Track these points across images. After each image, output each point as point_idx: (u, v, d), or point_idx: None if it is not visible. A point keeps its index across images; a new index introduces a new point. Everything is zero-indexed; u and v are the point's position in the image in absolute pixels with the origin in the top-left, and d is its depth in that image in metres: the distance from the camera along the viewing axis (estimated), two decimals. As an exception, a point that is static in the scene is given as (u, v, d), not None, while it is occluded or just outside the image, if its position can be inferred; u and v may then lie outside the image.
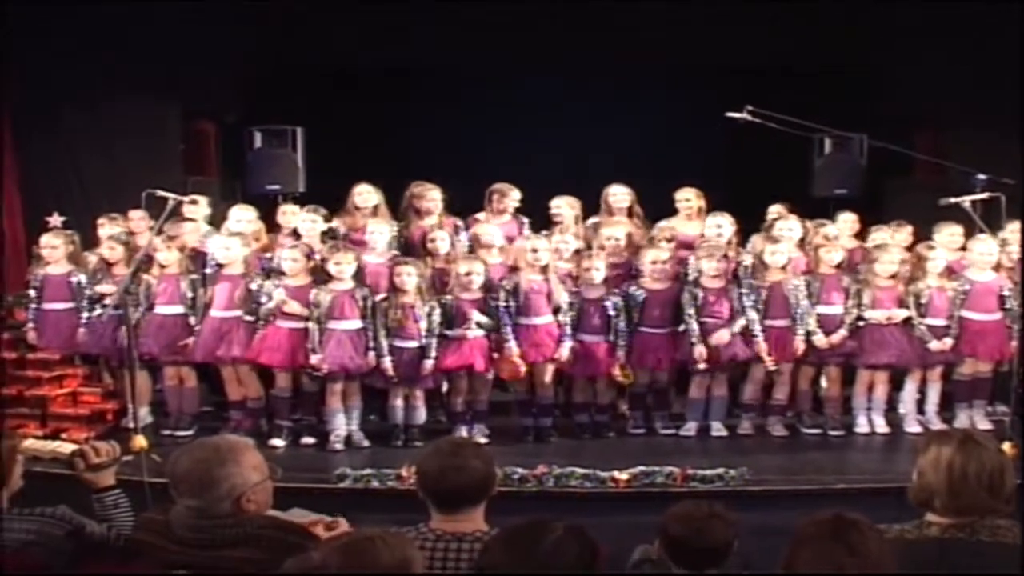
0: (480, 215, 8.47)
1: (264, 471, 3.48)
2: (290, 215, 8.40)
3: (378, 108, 10.52)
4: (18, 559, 3.41)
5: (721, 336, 7.51)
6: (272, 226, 8.51)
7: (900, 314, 7.66)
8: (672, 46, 10.03)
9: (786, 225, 7.97)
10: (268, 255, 7.96)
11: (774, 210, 8.44)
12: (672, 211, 8.55)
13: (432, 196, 8.23)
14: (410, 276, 7.37)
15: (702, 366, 7.56)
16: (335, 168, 8.97)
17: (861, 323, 7.69)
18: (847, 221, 8.46)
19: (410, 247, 8.08)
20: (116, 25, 9.27)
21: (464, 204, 8.53)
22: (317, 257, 7.62)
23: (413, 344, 7.38)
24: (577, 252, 7.98)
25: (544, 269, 7.48)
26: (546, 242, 7.63)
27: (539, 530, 2.86)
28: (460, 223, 8.31)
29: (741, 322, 7.55)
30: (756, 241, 7.95)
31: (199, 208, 8.40)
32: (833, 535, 2.77)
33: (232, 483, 3.35)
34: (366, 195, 8.24)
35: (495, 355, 7.51)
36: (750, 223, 8.27)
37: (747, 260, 7.86)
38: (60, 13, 9.02)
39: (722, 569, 3.49)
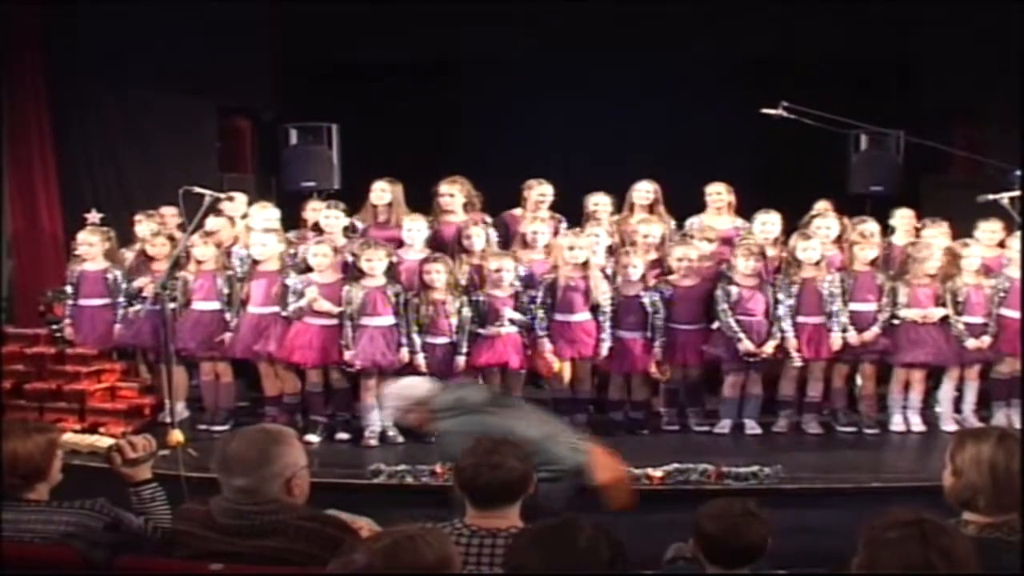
0: (516, 211, 8.48)
1: (306, 458, 3.57)
2: (320, 212, 8.43)
3: (414, 104, 10.55)
4: (58, 550, 3.46)
5: (768, 347, 7.52)
6: (297, 223, 8.57)
7: (936, 313, 7.61)
8: (707, 39, 10.00)
9: (824, 223, 7.96)
10: (292, 251, 7.98)
11: (819, 207, 8.40)
12: (702, 208, 8.55)
13: (445, 191, 8.23)
14: (439, 274, 7.39)
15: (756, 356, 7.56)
16: (370, 165, 8.99)
17: (896, 321, 7.65)
18: (904, 217, 8.41)
19: (439, 243, 8.09)
20: (152, 22, 9.34)
21: (503, 200, 8.53)
22: (347, 253, 7.66)
23: (445, 340, 7.41)
24: (610, 248, 7.99)
25: (583, 266, 7.48)
26: (584, 239, 7.63)
27: (569, 530, 2.85)
28: (488, 219, 8.30)
29: (778, 333, 7.55)
30: (792, 237, 7.89)
31: (237, 205, 8.48)
32: (923, 539, 2.67)
33: (285, 462, 3.44)
34: (379, 192, 8.27)
35: (530, 352, 7.54)
36: (787, 220, 8.21)
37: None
38: (97, 11, 9.09)
39: (755, 568, 3.48)
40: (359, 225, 8.26)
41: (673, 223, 8.45)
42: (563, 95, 10.52)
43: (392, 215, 8.21)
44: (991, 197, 7.47)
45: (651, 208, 8.50)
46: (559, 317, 7.45)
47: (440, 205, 8.23)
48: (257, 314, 7.63)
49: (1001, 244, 7.91)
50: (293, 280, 7.53)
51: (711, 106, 10.09)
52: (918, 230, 8.37)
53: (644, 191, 8.50)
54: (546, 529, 2.89)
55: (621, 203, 8.55)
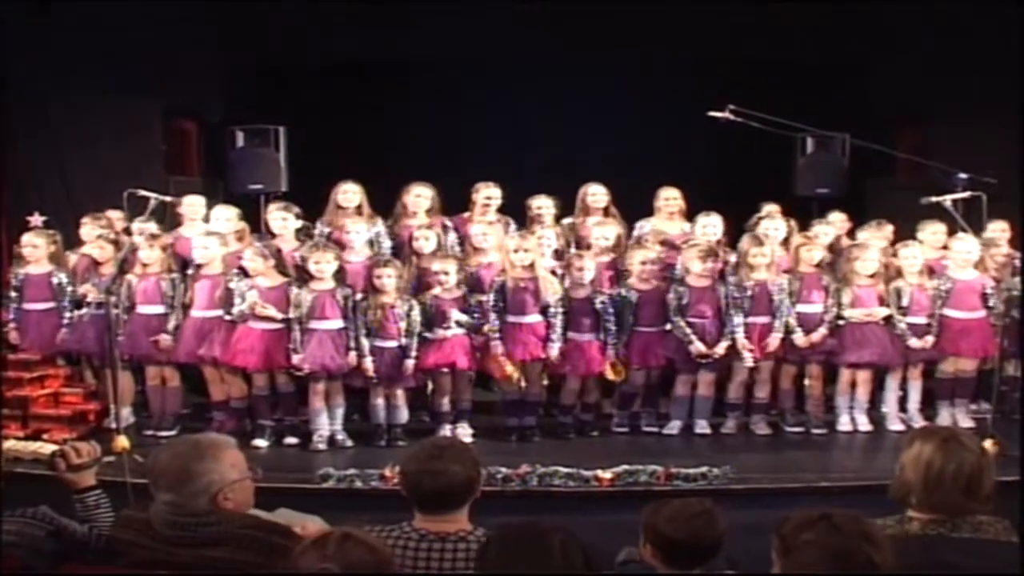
0: (466, 214, 8.46)
1: (244, 470, 3.47)
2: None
3: (361, 106, 10.49)
4: (-2, 560, 3.39)
5: (718, 349, 7.55)
6: (257, 226, 8.50)
7: (880, 312, 7.68)
8: (653, 42, 10.02)
9: (771, 224, 8.00)
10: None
11: (767, 209, 8.44)
12: (648, 210, 8.58)
13: (417, 193, 8.21)
14: (390, 278, 7.35)
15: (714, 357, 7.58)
16: (318, 167, 8.94)
17: (841, 322, 7.71)
18: (837, 220, 8.49)
19: (399, 246, 8.07)
20: (97, 24, 9.23)
21: (450, 202, 8.50)
22: (297, 256, 7.61)
23: (393, 344, 7.36)
24: (557, 251, 7.99)
25: (531, 267, 7.47)
26: (532, 241, 7.63)
27: (541, 536, 2.85)
28: (448, 223, 8.29)
29: (730, 333, 7.57)
30: (744, 240, 7.91)
31: (195, 208, 8.38)
32: (838, 530, 2.70)
33: (209, 479, 3.34)
34: (350, 194, 8.22)
35: (478, 354, 7.53)
36: (732, 222, 8.25)
37: (733, 259, 7.88)
38: (41, 12, 8.96)
39: (708, 568, 3.49)
40: (322, 228, 8.19)
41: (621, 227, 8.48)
42: (512, 97, 10.52)
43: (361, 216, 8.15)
44: (934, 199, 7.59)
45: (605, 211, 8.51)
46: (510, 319, 7.44)
47: (407, 207, 8.19)
48: (200, 317, 7.56)
49: (944, 246, 8.00)
50: (236, 283, 7.46)
51: (658, 109, 10.12)
52: (851, 231, 8.47)
53: (600, 194, 8.51)
54: (516, 535, 2.88)
55: (569, 206, 8.55)
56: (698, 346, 7.53)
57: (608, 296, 7.61)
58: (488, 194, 8.38)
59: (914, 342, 7.64)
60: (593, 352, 7.58)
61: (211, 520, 3.30)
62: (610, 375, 7.68)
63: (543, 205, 8.34)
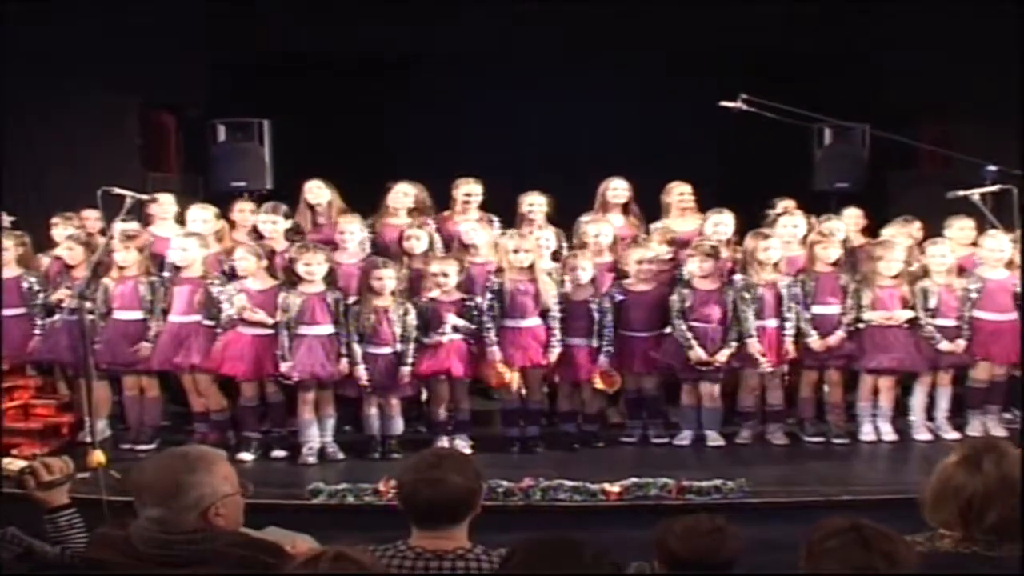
0: (447, 212, 8.44)
1: (235, 484, 3.44)
2: (247, 213, 8.36)
3: (349, 100, 10.49)
4: (-36, 584, 3.37)
5: (721, 355, 7.51)
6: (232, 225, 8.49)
7: (902, 315, 7.60)
8: (666, 32, 10.03)
9: (791, 221, 7.97)
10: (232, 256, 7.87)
11: (782, 206, 8.41)
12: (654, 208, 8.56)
13: (400, 191, 8.20)
14: (389, 279, 7.32)
15: (713, 364, 7.54)
16: (304, 163, 8.91)
17: (861, 324, 7.65)
18: (852, 216, 8.46)
19: (380, 247, 8.04)
20: (70, 13, 9.20)
21: (446, 202, 8.48)
22: (286, 257, 7.59)
23: (388, 350, 7.33)
24: (555, 252, 7.97)
25: (529, 269, 7.44)
26: (531, 241, 7.60)
27: (573, 547, 2.85)
28: (430, 222, 8.26)
29: (733, 339, 7.54)
30: (748, 238, 7.88)
31: (165, 207, 8.34)
32: (864, 544, 2.71)
33: (201, 492, 3.30)
34: (316, 191, 8.21)
35: (477, 361, 7.50)
36: (747, 220, 8.23)
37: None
38: (14, 3, 8.94)
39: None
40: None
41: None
42: (512, 96, 10.51)
43: (332, 215, 8.13)
44: (961, 193, 7.54)
45: (625, 207, 8.48)
46: (509, 323, 7.41)
47: (388, 205, 8.17)
48: (178, 323, 7.52)
49: (973, 243, 7.95)
50: (220, 288, 7.43)
51: (671, 102, 10.11)
52: (867, 229, 8.44)
53: (621, 189, 8.48)
54: (546, 547, 2.89)
55: (567, 206, 8.51)
56: (698, 352, 7.48)
57: (610, 298, 7.58)
58: (468, 190, 8.35)
59: (945, 345, 7.59)
60: (581, 359, 7.54)
61: (198, 538, 3.27)
62: (599, 384, 7.64)
63: (534, 203, 8.30)
